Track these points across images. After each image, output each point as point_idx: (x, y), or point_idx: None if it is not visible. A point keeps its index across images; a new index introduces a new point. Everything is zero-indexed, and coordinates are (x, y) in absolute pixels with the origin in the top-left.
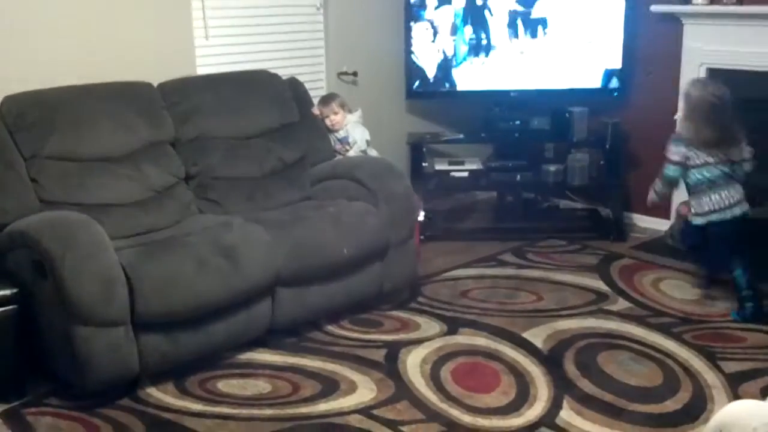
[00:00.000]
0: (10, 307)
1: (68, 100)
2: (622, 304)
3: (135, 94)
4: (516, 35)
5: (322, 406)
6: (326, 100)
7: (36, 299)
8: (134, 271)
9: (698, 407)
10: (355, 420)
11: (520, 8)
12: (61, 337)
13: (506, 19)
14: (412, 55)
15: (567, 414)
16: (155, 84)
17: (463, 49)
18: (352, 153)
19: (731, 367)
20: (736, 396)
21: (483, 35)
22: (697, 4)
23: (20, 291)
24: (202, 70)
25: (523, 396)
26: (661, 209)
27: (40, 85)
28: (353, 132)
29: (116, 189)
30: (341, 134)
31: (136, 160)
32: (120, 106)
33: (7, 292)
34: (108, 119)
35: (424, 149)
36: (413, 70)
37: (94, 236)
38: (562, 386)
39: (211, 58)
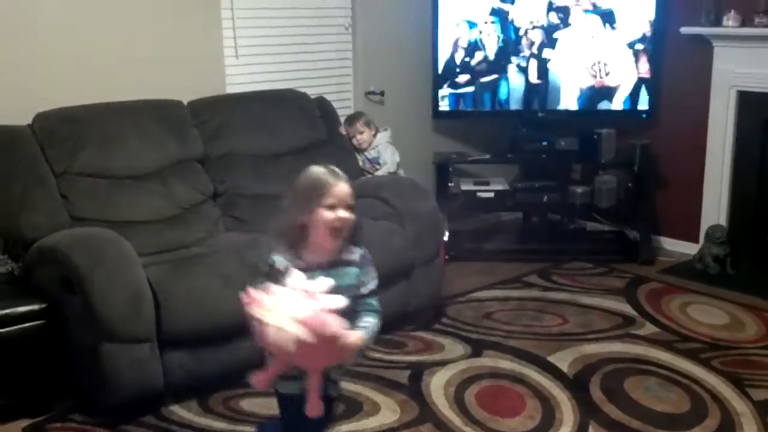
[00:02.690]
0: (38, 322)
1: (99, 117)
2: (649, 329)
3: (165, 112)
4: (543, 55)
5: (345, 428)
6: (351, 119)
7: (63, 315)
8: (161, 288)
9: None
10: None
11: (548, 28)
12: (87, 352)
13: (536, 40)
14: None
15: None
16: (185, 102)
17: (490, 68)
18: (380, 173)
19: (760, 394)
20: (764, 424)
21: (510, 55)
22: (728, 26)
23: (48, 306)
24: (231, 89)
25: (548, 421)
26: (689, 232)
27: (71, 102)
28: (384, 153)
29: (145, 206)
30: (372, 154)
31: (164, 177)
32: (149, 124)
33: (35, 307)
34: (137, 136)
35: (450, 169)
36: (440, 90)
37: (123, 253)
38: (587, 411)
39: (241, 77)
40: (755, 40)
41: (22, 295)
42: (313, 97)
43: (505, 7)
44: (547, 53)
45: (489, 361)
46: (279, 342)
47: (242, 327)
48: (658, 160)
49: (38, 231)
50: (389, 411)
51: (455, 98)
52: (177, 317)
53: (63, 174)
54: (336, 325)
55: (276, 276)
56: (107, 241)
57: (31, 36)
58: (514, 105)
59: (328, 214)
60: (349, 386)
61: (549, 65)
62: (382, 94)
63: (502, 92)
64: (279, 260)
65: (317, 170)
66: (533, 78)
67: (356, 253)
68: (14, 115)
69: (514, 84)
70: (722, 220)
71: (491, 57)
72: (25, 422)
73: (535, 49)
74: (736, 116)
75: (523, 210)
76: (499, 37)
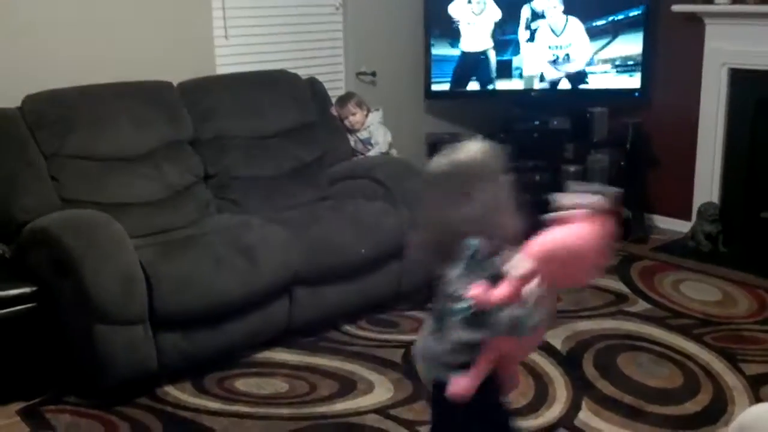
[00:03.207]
0: (30, 305)
1: (88, 99)
2: (641, 306)
3: (155, 94)
4: (534, 35)
5: (339, 406)
6: (342, 100)
7: (56, 297)
8: (153, 269)
9: (718, 409)
10: (372, 420)
11: (539, 8)
12: (81, 335)
13: (526, 19)
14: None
15: (586, 415)
16: (175, 83)
17: (483, 48)
18: (372, 154)
19: (752, 369)
20: (757, 398)
21: (503, 34)
22: (720, 4)
23: (40, 289)
24: (221, 70)
25: (541, 397)
26: (681, 210)
27: (60, 84)
28: (376, 133)
29: (135, 188)
30: (363, 135)
31: (155, 159)
32: (139, 106)
33: (27, 290)
34: (127, 118)
35: (443, 149)
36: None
37: (114, 235)
38: (581, 387)
39: (231, 57)
40: (747, 17)
41: (14, 277)
42: (304, 78)
43: None
44: (539, 33)
45: None
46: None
47: (235, 308)
48: (651, 139)
49: (29, 213)
50: (383, 389)
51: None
52: (169, 299)
53: (53, 156)
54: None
55: (487, 262)
56: (99, 223)
57: (20, 18)
58: (508, 85)
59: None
60: (343, 365)
61: (541, 45)
62: (373, 74)
63: (495, 71)
64: (479, 245)
65: (477, 147)
66: (525, 57)
67: None
68: (3, 98)
69: (507, 63)
70: (714, 197)
71: (484, 34)
72: (19, 405)
73: (527, 29)
74: (728, 94)
75: (516, 189)
76: (492, 14)
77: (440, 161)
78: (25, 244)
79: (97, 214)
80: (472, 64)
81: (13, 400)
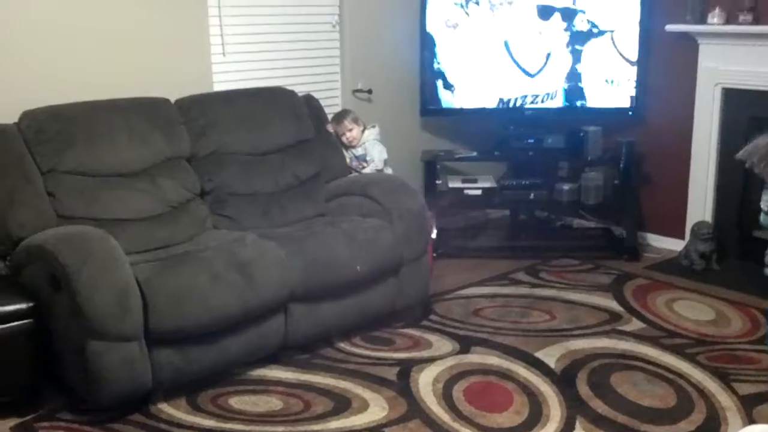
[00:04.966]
0: (26, 321)
1: (86, 115)
2: (635, 325)
3: (152, 110)
4: (530, 52)
5: (334, 424)
6: (339, 117)
7: (51, 313)
8: (149, 285)
9: (712, 429)
10: None
11: (533, 26)
12: (75, 351)
13: (521, 38)
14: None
15: None
16: (172, 100)
17: (478, 66)
18: (368, 171)
19: (745, 389)
20: (750, 418)
21: (500, 54)
22: (713, 24)
23: (35, 305)
24: (218, 87)
25: (535, 416)
26: (675, 228)
27: (57, 100)
28: (371, 150)
29: (132, 204)
30: (359, 152)
31: (152, 175)
32: (137, 122)
33: (22, 305)
34: (125, 134)
35: (438, 166)
36: (428, 88)
37: (110, 251)
38: (575, 406)
39: (228, 74)
40: (740, 37)
41: (10, 294)
42: (300, 94)
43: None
44: (534, 51)
45: (477, 357)
46: None
47: (230, 324)
48: (644, 158)
49: (25, 229)
50: (378, 408)
51: (444, 94)
52: (165, 315)
53: (50, 172)
54: None
55: None
56: (94, 239)
57: (18, 34)
58: (502, 103)
59: None
60: (338, 383)
61: (536, 62)
62: (369, 92)
63: (490, 90)
64: None
65: None
66: (521, 76)
67: None
68: (0, 114)
69: (502, 81)
70: (708, 216)
71: (479, 54)
72: (13, 421)
73: (522, 47)
74: (722, 113)
75: (510, 207)
76: (486, 35)
77: None
78: (20, 260)
79: (92, 231)
80: None
81: (7, 416)
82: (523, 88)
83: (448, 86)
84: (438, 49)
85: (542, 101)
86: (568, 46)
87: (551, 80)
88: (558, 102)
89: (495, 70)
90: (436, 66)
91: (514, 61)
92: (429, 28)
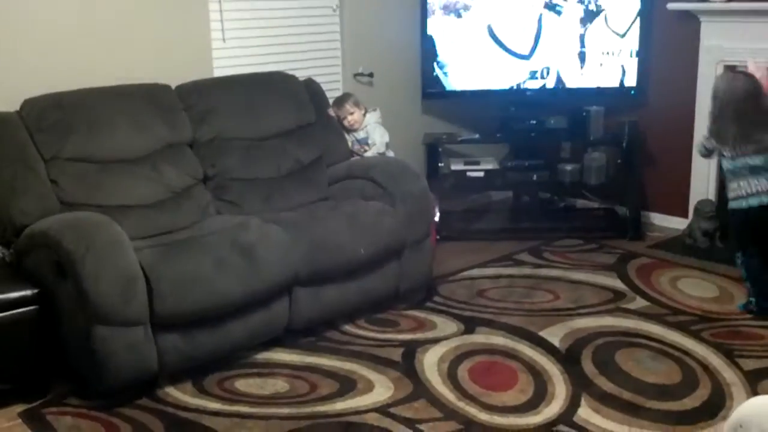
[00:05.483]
0: (31, 307)
1: (87, 102)
2: (639, 303)
3: (153, 96)
4: (532, 33)
5: (340, 405)
6: (340, 101)
7: (56, 300)
8: (153, 271)
9: (717, 404)
10: (372, 418)
11: (536, 8)
12: (81, 337)
13: (524, 20)
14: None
15: (585, 412)
16: (173, 86)
17: (479, 48)
18: (369, 154)
19: (749, 364)
20: (754, 393)
21: (500, 35)
22: (715, 2)
23: (40, 292)
24: (219, 72)
25: (540, 394)
26: (678, 207)
27: (59, 87)
28: (373, 133)
29: (135, 190)
30: (361, 135)
31: (154, 162)
32: (138, 108)
33: (27, 292)
34: (126, 121)
35: (440, 149)
36: (429, 71)
37: (114, 237)
38: (579, 384)
39: (228, 60)
40: (742, 14)
41: (14, 281)
42: (301, 79)
43: None
44: (536, 31)
45: (482, 337)
46: None
47: (235, 308)
48: (647, 137)
49: (28, 217)
50: (383, 388)
51: (445, 77)
52: (170, 300)
53: (52, 159)
54: None
55: None
56: (98, 225)
57: (18, 22)
58: (503, 84)
59: None
60: (343, 365)
61: (538, 43)
62: (370, 75)
63: (492, 71)
64: None
65: None
66: (522, 57)
67: None
68: (2, 102)
69: (503, 63)
70: (711, 194)
71: (481, 36)
72: (20, 407)
73: (524, 28)
74: None
75: (513, 189)
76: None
77: None
78: (25, 247)
79: (96, 216)
80: None
81: (15, 402)
82: (523, 69)
83: (442, 67)
84: (438, 34)
85: (542, 77)
86: (572, 26)
87: (553, 61)
88: (560, 83)
89: (495, 54)
90: (436, 51)
91: (506, 49)
92: (429, 13)
